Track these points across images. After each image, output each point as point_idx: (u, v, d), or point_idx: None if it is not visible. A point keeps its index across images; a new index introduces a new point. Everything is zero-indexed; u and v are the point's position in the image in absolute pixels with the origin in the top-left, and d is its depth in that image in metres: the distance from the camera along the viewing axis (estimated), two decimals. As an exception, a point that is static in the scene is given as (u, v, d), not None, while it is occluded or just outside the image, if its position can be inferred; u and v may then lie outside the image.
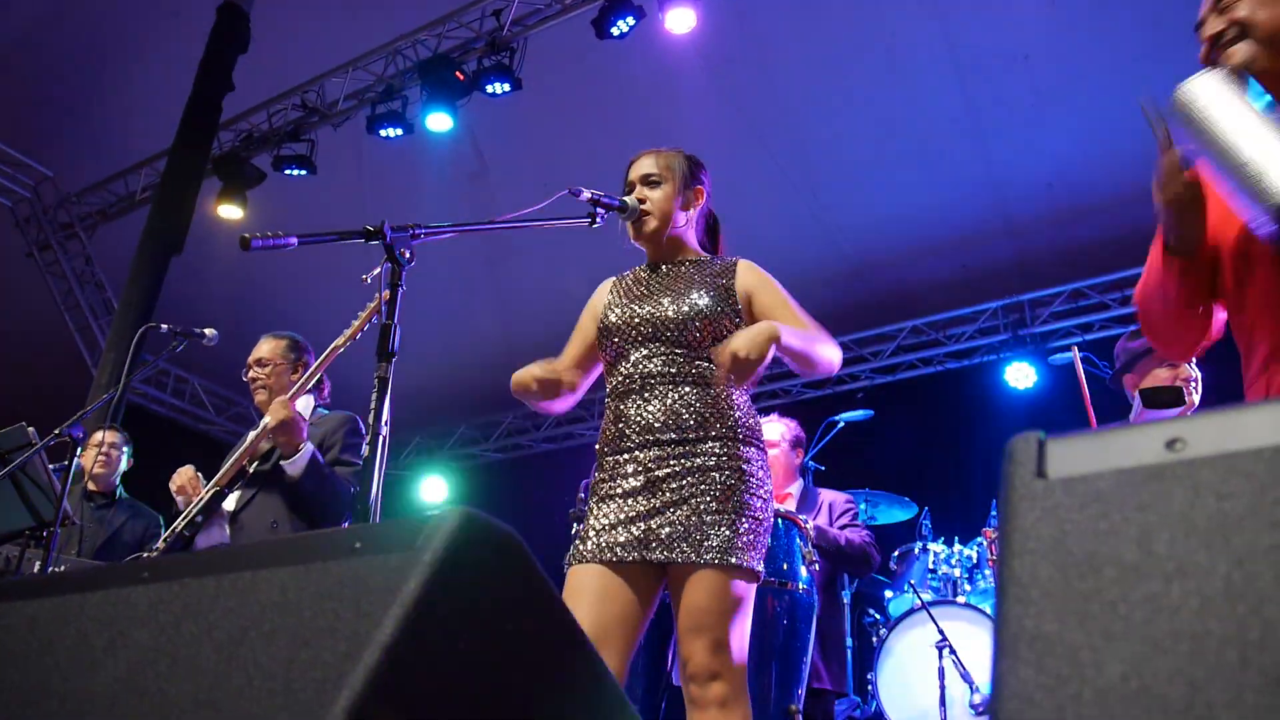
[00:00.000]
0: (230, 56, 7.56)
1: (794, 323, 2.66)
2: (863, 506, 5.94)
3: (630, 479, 2.60)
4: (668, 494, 2.52)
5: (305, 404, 3.94)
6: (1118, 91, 6.82)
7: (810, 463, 6.22)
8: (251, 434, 3.87)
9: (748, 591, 2.50)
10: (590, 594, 2.52)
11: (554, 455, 11.00)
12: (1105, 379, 4.57)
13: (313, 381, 3.78)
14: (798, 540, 4.12)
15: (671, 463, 2.56)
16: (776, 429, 5.20)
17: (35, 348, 9.56)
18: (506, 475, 11.25)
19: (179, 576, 0.87)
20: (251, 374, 4.03)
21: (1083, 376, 4.11)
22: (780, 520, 4.04)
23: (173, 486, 3.84)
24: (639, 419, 2.65)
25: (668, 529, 2.48)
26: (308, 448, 3.66)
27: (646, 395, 2.66)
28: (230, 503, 3.77)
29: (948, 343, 9.16)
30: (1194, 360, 4.01)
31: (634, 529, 2.52)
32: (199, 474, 3.88)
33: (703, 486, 2.51)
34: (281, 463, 3.66)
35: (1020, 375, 8.46)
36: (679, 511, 2.49)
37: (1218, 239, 1.89)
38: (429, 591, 0.73)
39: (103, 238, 9.46)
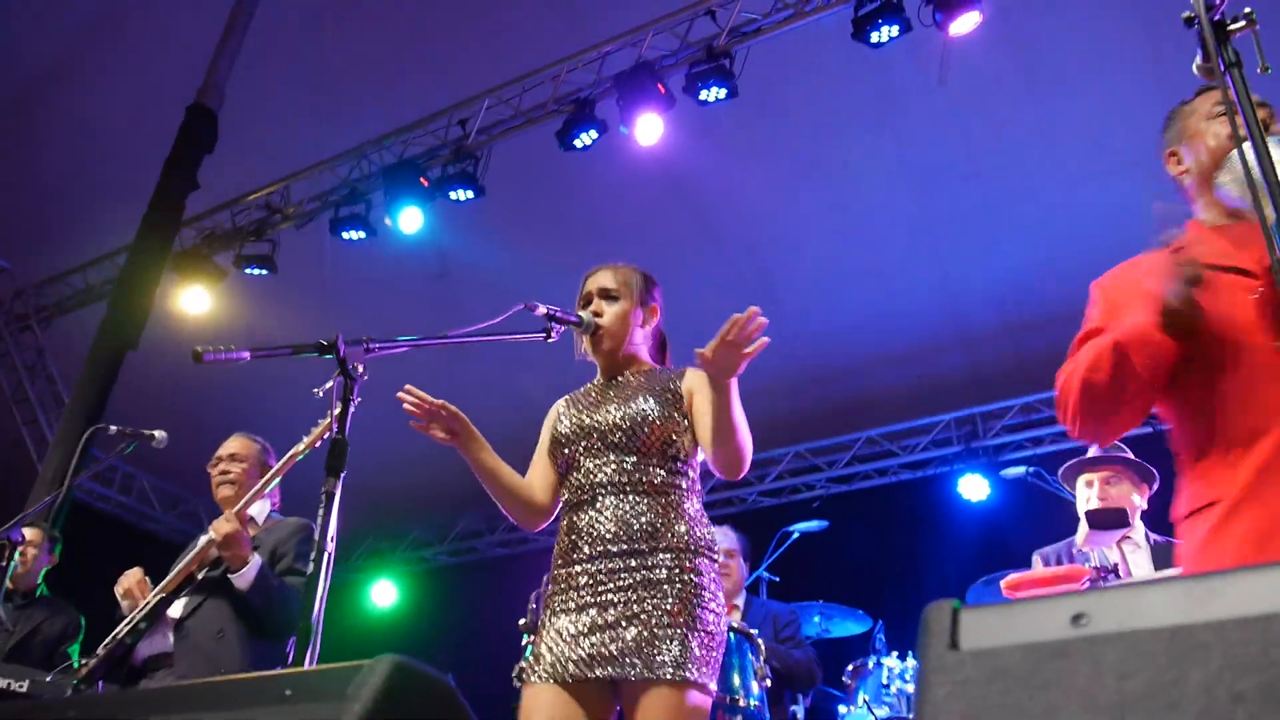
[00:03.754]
0: (197, 156, 7.61)
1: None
2: (816, 619, 5.91)
3: (582, 592, 2.58)
4: (619, 608, 2.50)
5: (260, 509, 3.90)
6: (1066, 208, 7.04)
7: (765, 574, 6.20)
8: (202, 539, 3.80)
9: (703, 705, 2.47)
10: (546, 716, 2.48)
11: (508, 560, 10.85)
12: (1058, 494, 4.63)
13: (267, 489, 3.73)
14: (750, 655, 4.08)
15: (623, 575, 2.55)
16: (733, 539, 5.22)
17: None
18: (459, 579, 11.06)
19: (109, 715, 0.86)
20: (223, 467, 3.98)
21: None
22: (733, 634, 4.01)
23: (118, 590, 3.74)
24: (590, 530, 2.64)
25: (619, 644, 2.46)
26: (255, 560, 3.60)
27: (598, 506, 2.67)
28: (176, 609, 3.68)
29: (902, 454, 9.23)
30: (1124, 482, 4.08)
31: (586, 645, 2.49)
32: (146, 578, 3.79)
33: (655, 600, 2.49)
34: (229, 575, 3.59)
35: (973, 487, 8.51)
36: (631, 627, 2.47)
37: (1211, 325, 1.96)
38: (358, 742, 0.72)
39: (57, 331, 9.36)
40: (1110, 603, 0.64)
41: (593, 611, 2.53)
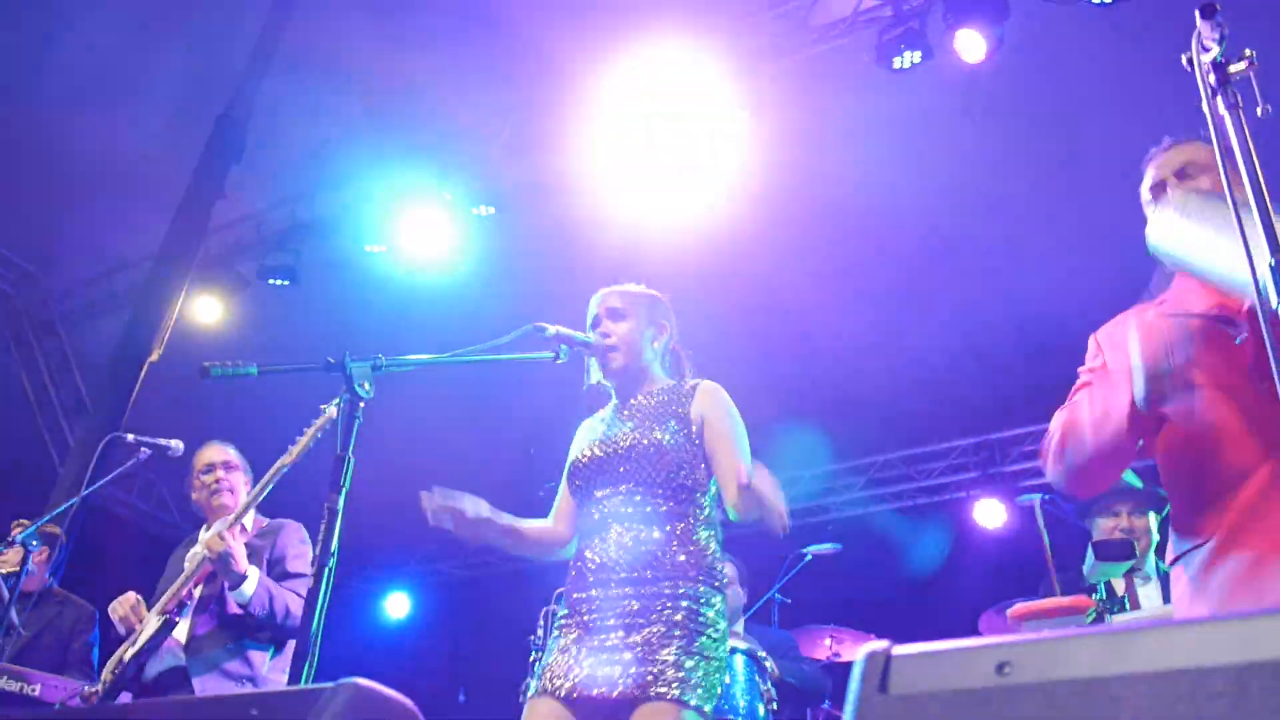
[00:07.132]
0: (224, 165, 7.69)
1: (730, 460, 2.71)
2: (827, 642, 5.90)
3: (588, 616, 2.61)
4: (622, 633, 2.53)
5: (249, 515, 3.88)
6: (1084, 238, 7.01)
7: (778, 596, 6.19)
8: (191, 554, 3.79)
9: (698, 730, 2.48)
10: None
11: (520, 573, 10.84)
12: (1073, 522, 4.61)
13: (257, 501, 3.68)
14: (757, 677, 4.08)
15: (627, 601, 2.57)
16: (730, 568, 5.25)
17: (2, 444, 9.48)
18: (471, 592, 11.09)
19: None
20: (219, 475, 3.96)
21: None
22: (743, 656, 4.01)
23: (114, 616, 3.70)
24: (598, 558, 2.67)
25: (619, 666, 2.48)
26: (254, 574, 3.57)
27: (605, 534, 2.69)
28: (182, 631, 3.65)
29: (919, 478, 9.18)
30: (1148, 512, 4.07)
31: (587, 664, 2.52)
32: (141, 600, 3.76)
33: (657, 625, 2.52)
34: (229, 594, 3.57)
35: (989, 513, 8.46)
36: (632, 650, 2.49)
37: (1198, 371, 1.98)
38: (318, 764, 0.74)
39: (82, 337, 9.46)
40: (1033, 653, 0.65)
41: (596, 634, 2.57)
